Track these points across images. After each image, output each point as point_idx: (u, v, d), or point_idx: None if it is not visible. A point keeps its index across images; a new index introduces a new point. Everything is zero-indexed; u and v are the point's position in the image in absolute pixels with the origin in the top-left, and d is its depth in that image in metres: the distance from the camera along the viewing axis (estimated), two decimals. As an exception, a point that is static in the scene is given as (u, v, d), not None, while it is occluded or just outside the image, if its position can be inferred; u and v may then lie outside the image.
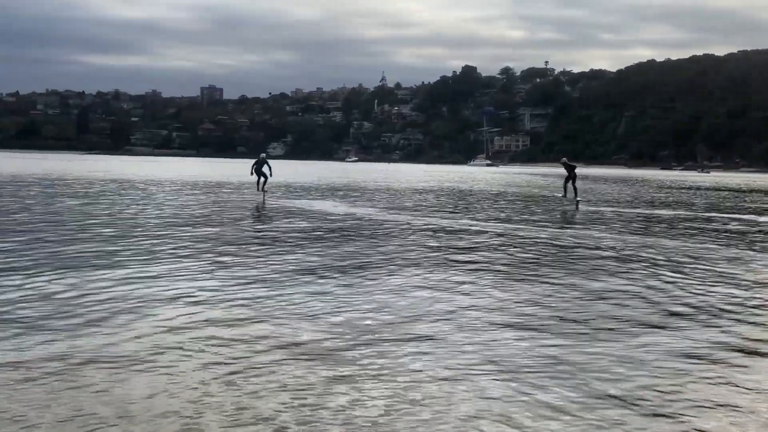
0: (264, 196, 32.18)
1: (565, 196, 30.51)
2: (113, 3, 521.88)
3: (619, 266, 12.96)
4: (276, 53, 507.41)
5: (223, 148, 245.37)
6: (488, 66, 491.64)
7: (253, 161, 34.71)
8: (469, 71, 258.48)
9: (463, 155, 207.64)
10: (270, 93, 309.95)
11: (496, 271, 12.21)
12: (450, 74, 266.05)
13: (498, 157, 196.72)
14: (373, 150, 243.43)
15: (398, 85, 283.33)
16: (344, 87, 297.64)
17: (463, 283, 10.97)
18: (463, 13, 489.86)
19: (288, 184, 47.16)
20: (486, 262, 13.23)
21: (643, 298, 10.02)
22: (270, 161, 34.11)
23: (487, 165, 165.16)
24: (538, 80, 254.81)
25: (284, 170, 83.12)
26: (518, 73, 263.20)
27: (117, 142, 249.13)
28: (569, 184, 29.86)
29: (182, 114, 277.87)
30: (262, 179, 33.16)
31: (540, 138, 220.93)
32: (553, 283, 10.97)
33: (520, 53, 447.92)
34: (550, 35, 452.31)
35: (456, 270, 12.18)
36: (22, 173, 53.73)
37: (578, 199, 29.70)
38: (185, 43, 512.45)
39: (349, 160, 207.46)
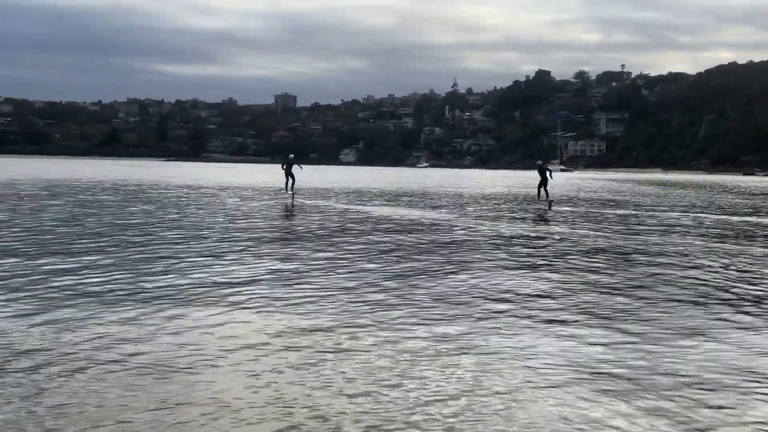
0: (293, 197, 33.16)
1: (537, 199, 33.61)
2: (192, 14, 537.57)
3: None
4: (348, 60, 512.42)
5: (295, 155, 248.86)
6: (562, 70, 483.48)
7: (282, 164, 36.76)
8: (542, 75, 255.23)
9: (535, 160, 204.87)
10: (342, 100, 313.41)
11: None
12: (522, 79, 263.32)
13: (572, 163, 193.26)
14: (444, 156, 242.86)
15: (470, 91, 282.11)
16: (415, 93, 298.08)
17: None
18: (535, 17, 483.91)
19: (370, 190, 47.44)
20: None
21: None
22: (301, 165, 37.52)
23: (561, 170, 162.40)
24: (614, 84, 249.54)
25: (357, 176, 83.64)
26: (593, 77, 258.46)
27: (195, 149, 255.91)
28: (542, 189, 33.14)
29: (257, 121, 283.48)
30: (291, 180, 34.42)
31: (616, 143, 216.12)
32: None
33: (594, 57, 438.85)
34: (625, 38, 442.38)
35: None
36: (123, 179, 55.90)
37: (550, 200, 32.94)
38: (260, 52, 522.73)
39: (420, 165, 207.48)
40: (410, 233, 19.99)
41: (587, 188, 65.51)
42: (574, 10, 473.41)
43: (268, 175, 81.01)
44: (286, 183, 34.90)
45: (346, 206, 32.11)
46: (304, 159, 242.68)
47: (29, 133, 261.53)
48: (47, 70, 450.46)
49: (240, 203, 32.45)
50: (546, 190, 33.23)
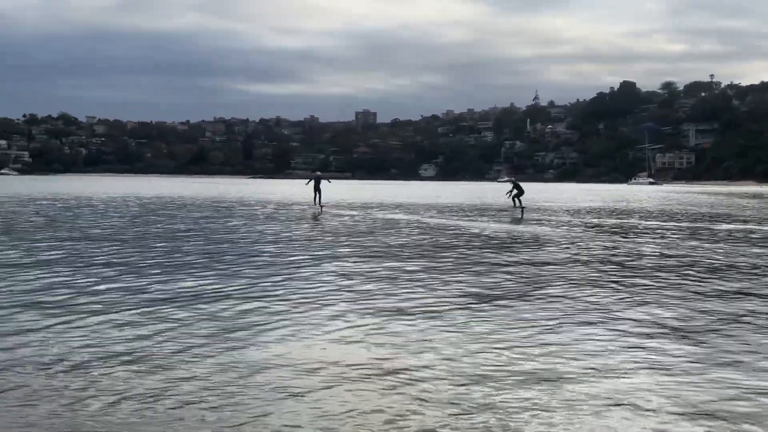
0: (321, 209, 37.41)
1: (515, 206, 39.52)
2: (274, 34, 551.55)
3: None
4: (427, 76, 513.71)
5: (376, 170, 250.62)
6: (646, 81, 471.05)
7: (308, 180, 40.99)
8: (627, 87, 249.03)
9: (621, 174, 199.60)
10: (422, 115, 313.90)
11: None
12: (605, 90, 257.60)
13: (660, 175, 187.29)
14: (525, 170, 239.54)
15: (551, 103, 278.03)
16: (495, 107, 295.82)
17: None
18: (615, 28, 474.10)
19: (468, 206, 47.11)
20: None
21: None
22: (328, 180, 42.36)
23: (650, 183, 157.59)
24: (702, 94, 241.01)
25: (439, 191, 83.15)
26: (680, 88, 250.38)
27: (279, 166, 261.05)
28: (517, 199, 39.66)
29: (338, 138, 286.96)
30: (318, 195, 38.50)
31: (705, 154, 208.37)
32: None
33: (679, 67, 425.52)
34: (712, 47, 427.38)
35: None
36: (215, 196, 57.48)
37: (523, 207, 39.35)
38: (340, 69, 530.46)
39: (500, 180, 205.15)
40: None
41: (701, 204, 63.24)
42: (657, 20, 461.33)
43: (351, 191, 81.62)
44: (315, 197, 38.76)
45: (443, 220, 31.94)
46: (384, 174, 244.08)
47: (122, 153, 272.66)
48: (139, 92, 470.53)
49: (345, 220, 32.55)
50: (519, 200, 39.72)
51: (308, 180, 40.68)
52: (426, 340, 8.56)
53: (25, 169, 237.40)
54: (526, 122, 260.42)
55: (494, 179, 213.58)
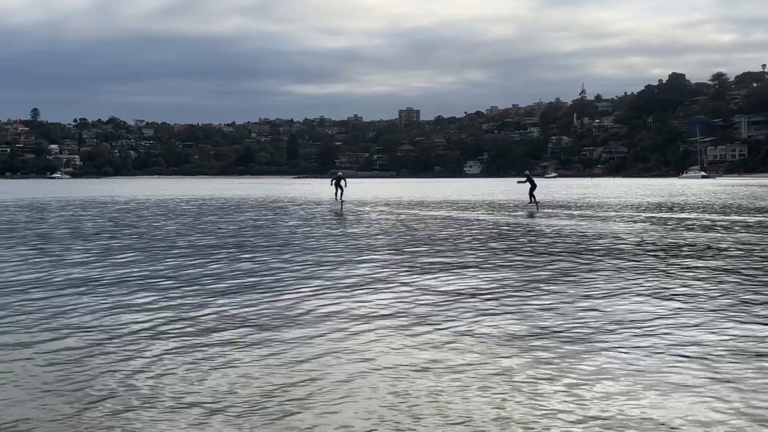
0: (342, 204, 41.08)
1: (530, 203, 40.00)
2: (317, 35, 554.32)
3: None
4: (470, 73, 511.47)
5: (420, 168, 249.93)
6: (695, 73, 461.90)
7: (330, 179, 46.07)
8: (676, 79, 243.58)
9: (672, 167, 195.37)
10: (465, 112, 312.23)
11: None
12: (654, 83, 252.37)
13: (712, 168, 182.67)
14: (572, 165, 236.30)
15: (598, 97, 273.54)
16: (541, 102, 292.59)
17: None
18: (663, 19, 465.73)
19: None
20: None
21: None
22: (348, 179, 46.81)
23: (702, 177, 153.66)
24: (754, 84, 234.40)
25: (489, 187, 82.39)
26: (732, 79, 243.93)
27: (323, 166, 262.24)
28: (532, 193, 39.86)
29: (382, 136, 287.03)
30: (340, 191, 42.52)
31: (759, 146, 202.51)
32: None
33: (730, 58, 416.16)
34: (763, 36, 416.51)
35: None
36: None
37: (537, 201, 40.17)
38: (383, 69, 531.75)
39: (548, 176, 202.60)
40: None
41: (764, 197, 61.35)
42: (705, 11, 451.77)
43: (402, 188, 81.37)
44: (335, 193, 43.22)
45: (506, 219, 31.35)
46: (429, 172, 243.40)
47: (170, 155, 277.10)
48: (185, 95, 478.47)
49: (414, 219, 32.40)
50: (533, 195, 40.00)
51: (331, 180, 45.31)
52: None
53: (77, 173, 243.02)
54: (572, 117, 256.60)
55: (541, 175, 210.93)
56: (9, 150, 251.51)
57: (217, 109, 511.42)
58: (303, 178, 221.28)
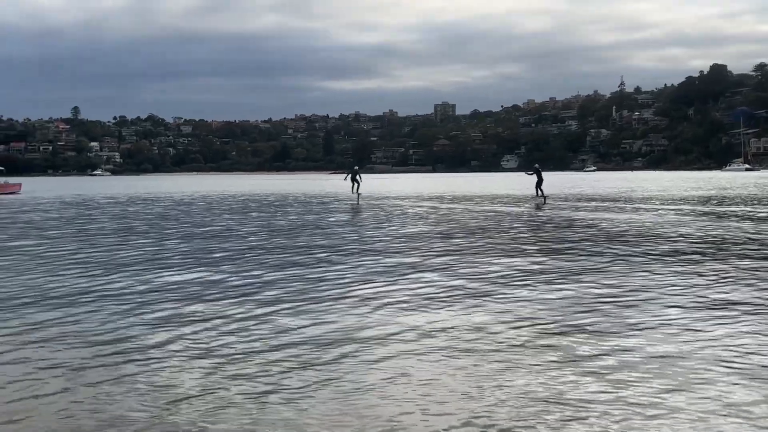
0: (358, 198, 43.24)
1: (536, 196, 40.32)
2: (352, 31, 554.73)
3: None
4: (505, 66, 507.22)
5: (456, 163, 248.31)
6: (736, 64, 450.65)
7: (346, 174, 47.41)
8: (717, 70, 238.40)
9: (714, 160, 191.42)
10: (502, 106, 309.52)
11: None
12: (694, 74, 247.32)
13: (756, 161, 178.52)
14: (611, 158, 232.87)
15: (637, 89, 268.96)
16: (578, 95, 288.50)
17: None
18: (702, 10, 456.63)
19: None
20: None
21: None
22: (362, 174, 48.38)
23: (746, 170, 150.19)
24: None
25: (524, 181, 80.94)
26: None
27: (359, 161, 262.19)
28: (539, 187, 40.32)
29: (418, 131, 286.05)
30: (356, 185, 44.31)
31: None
32: None
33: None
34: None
35: None
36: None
37: (545, 195, 40.17)
38: (418, 63, 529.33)
39: (587, 169, 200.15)
40: None
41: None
42: (745, 1, 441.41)
43: (443, 184, 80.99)
44: (352, 187, 44.78)
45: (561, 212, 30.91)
46: (465, 167, 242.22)
47: (207, 152, 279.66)
48: (222, 92, 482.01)
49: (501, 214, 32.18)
50: (541, 189, 40.31)
51: (347, 174, 47.42)
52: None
53: (117, 170, 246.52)
54: (611, 109, 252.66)
55: (580, 169, 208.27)
56: (51, 148, 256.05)
57: (253, 106, 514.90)
58: (339, 173, 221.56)
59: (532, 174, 41.66)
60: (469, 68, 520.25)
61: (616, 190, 55.68)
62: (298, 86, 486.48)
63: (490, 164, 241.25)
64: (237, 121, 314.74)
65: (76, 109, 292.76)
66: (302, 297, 10.94)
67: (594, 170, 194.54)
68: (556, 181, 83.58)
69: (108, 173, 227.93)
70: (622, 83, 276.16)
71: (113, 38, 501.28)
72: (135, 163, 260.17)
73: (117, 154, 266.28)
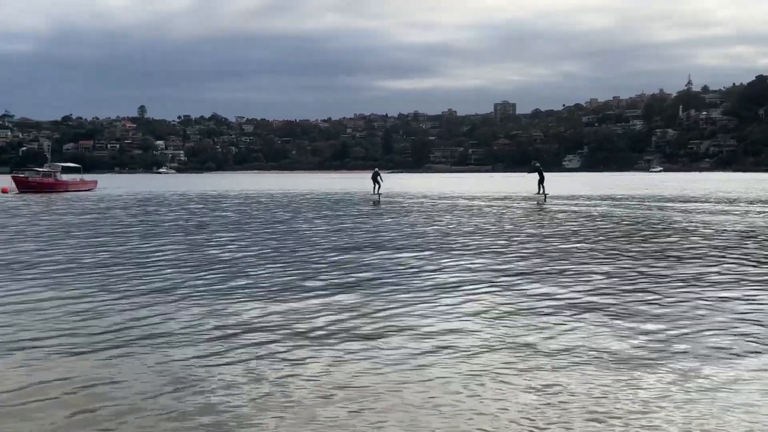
0: (379, 197, 46.45)
1: (539, 193, 42.22)
2: (411, 30, 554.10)
3: None
4: (566, 65, 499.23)
5: (517, 163, 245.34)
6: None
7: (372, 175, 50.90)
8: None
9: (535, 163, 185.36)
10: (564, 105, 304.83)
11: None
12: (766, 73, 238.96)
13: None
14: (678, 159, 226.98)
15: (705, 89, 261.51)
16: (643, 94, 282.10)
17: None
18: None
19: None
20: None
21: None
22: (383, 174, 55.44)
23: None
24: None
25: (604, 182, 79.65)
26: None
27: (418, 160, 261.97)
28: (541, 185, 42.30)
29: (477, 131, 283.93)
30: (377, 185, 48.43)
31: None
32: None
33: None
34: None
35: None
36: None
37: (546, 193, 42.14)
38: (477, 62, 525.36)
39: (653, 170, 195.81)
40: None
41: None
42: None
43: (512, 183, 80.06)
44: (374, 187, 48.72)
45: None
46: (526, 167, 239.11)
47: (268, 150, 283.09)
48: (283, 92, 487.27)
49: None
50: (543, 186, 42.25)
51: (372, 175, 50.86)
52: None
53: (181, 168, 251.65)
54: (678, 109, 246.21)
55: (645, 169, 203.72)
56: (118, 146, 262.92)
57: (313, 105, 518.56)
58: (398, 172, 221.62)
59: (533, 172, 44.21)
60: (529, 66, 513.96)
61: (705, 192, 54.12)
62: (357, 86, 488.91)
63: (552, 164, 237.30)
64: (297, 121, 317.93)
65: (142, 108, 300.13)
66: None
67: (660, 171, 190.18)
68: (628, 182, 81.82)
69: (173, 171, 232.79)
70: (689, 82, 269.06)
71: (178, 39, 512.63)
72: (199, 161, 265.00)
73: (181, 152, 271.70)
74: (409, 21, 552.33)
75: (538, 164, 47.05)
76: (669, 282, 12.12)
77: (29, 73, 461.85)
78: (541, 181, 42.52)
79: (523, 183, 76.43)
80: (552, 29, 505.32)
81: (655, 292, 11.11)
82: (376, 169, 53.92)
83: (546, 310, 9.80)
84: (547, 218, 27.77)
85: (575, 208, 34.52)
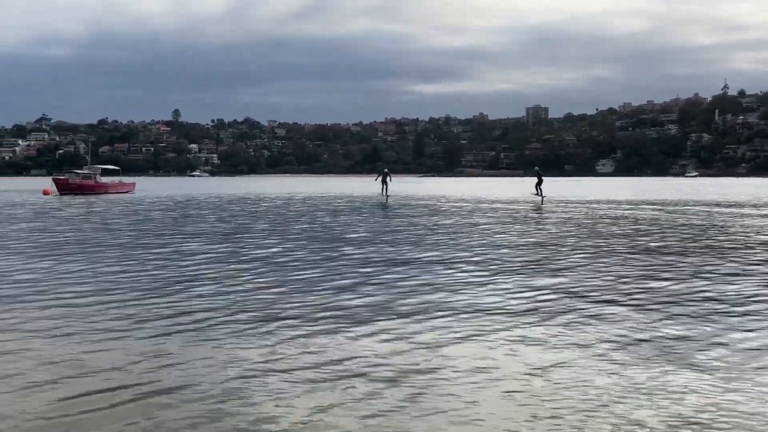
0: (387, 198, 48.06)
1: (537, 194, 44.74)
2: (442, 34, 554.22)
3: None
4: (599, 69, 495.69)
5: (549, 167, 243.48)
6: None
7: (377, 176, 52.99)
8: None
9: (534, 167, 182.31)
10: (597, 109, 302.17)
11: None
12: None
13: None
14: (713, 164, 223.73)
15: (741, 93, 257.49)
16: (678, 98, 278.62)
17: None
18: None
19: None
20: None
21: None
22: (392, 175, 56.54)
23: None
24: None
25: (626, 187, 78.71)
26: None
27: (449, 164, 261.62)
28: (539, 187, 44.92)
29: (509, 135, 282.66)
30: (385, 186, 49.58)
31: None
32: None
33: None
34: None
35: None
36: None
37: (543, 196, 44.54)
38: (508, 66, 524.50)
39: (688, 174, 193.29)
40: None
41: None
42: None
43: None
44: (382, 189, 49.98)
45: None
46: (559, 171, 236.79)
47: (300, 154, 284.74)
48: (314, 96, 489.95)
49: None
50: (540, 189, 44.82)
51: (377, 176, 52.86)
52: None
53: (215, 171, 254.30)
54: (713, 113, 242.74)
55: (680, 174, 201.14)
56: (153, 149, 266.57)
57: (345, 109, 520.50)
58: (429, 176, 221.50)
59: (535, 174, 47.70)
60: (560, 71, 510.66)
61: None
62: (388, 89, 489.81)
63: (585, 168, 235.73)
64: (329, 124, 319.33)
65: (176, 112, 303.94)
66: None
67: (696, 176, 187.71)
68: (665, 187, 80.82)
69: (206, 174, 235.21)
70: (725, 86, 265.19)
71: (211, 43, 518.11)
72: (231, 164, 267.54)
73: (215, 155, 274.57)
74: (439, 25, 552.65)
75: (537, 168, 50.57)
76: None
77: (66, 77, 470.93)
78: (539, 184, 45.18)
79: (558, 187, 76.06)
80: (584, 33, 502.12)
81: None
82: (386, 170, 55.17)
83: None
84: (621, 224, 27.63)
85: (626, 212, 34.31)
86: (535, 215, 32.52)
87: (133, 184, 73.18)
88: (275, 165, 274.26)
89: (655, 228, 24.29)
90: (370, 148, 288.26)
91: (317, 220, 29.20)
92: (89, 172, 65.73)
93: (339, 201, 48.56)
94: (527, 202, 44.31)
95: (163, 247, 18.81)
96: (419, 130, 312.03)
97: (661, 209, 36.77)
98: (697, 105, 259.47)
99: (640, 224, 26.27)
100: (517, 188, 76.70)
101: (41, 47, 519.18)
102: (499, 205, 41.80)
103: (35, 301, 10.89)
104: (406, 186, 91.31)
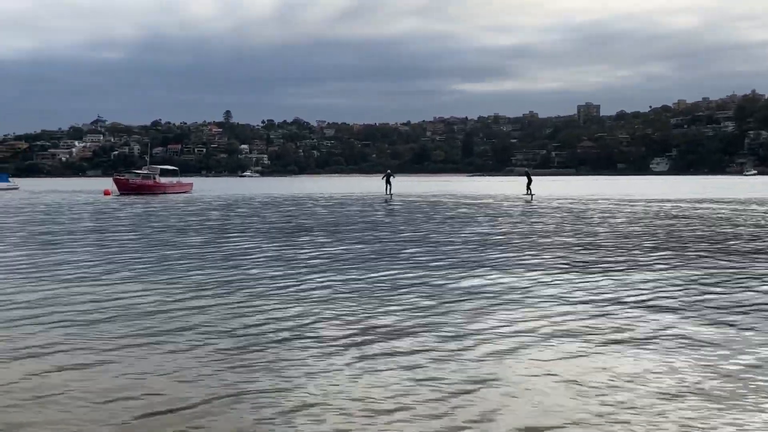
0: (390, 197, 50.71)
1: (527, 194, 49.99)
2: (488, 33, 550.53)
3: None
4: (651, 66, 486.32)
5: (601, 165, 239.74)
6: None
7: (382, 176, 57.72)
8: None
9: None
10: (650, 106, 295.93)
11: None
12: None
13: None
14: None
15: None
16: (734, 95, 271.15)
17: None
18: None
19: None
20: None
21: None
22: (396, 176, 61.95)
23: None
24: None
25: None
26: None
27: (499, 163, 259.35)
28: (528, 187, 50.93)
29: (560, 133, 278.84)
30: (389, 187, 53.84)
31: None
32: None
33: None
34: None
35: None
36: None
37: (533, 194, 49.73)
38: (558, 64, 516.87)
39: (747, 173, 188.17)
40: None
41: None
42: None
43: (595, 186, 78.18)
44: (386, 188, 53.86)
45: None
46: (611, 170, 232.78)
47: (349, 154, 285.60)
48: (362, 96, 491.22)
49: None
50: (530, 188, 50.64)
51: (383, 176, 57.04)
52: None
53: (265, 171, 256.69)
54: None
55: (738, 172, 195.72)
56: (205, 150, 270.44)
57: (393, 109, 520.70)
58: (479, 176, 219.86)
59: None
60: (609, 69, 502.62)
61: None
62: (436, 89, 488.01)
63: (639, 167, 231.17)
64: (377, 124, 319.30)
65: (227, 113, 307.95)
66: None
67: (754, 174, 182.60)
68: (730, 185, 78.55)
69: (257, 174, 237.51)
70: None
71: (261, 45, 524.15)
72: (281, 165, 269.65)
73: (265, 156, 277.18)
74: (487, 24, 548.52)
75: (527, 170, 61.08)
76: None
77: (121, 79, 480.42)
78: (528, 184, 51.39)
79: (612, 186, 74.43)
80: (635, 30, 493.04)
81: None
82: (389, 170, 62.68)
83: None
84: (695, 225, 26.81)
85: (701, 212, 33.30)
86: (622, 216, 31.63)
87: (191, 185, 74.02)
88: (324, 165, 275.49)
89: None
90: (418, 147, 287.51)
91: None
92: (149, 172, 66.62)
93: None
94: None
95: (305, 246, 18.70)
96: (468, 130, 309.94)
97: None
98: (754, 102, 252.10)
99: None
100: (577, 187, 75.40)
101: (96, 51, 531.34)
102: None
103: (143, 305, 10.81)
104: (463, 185, 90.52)
